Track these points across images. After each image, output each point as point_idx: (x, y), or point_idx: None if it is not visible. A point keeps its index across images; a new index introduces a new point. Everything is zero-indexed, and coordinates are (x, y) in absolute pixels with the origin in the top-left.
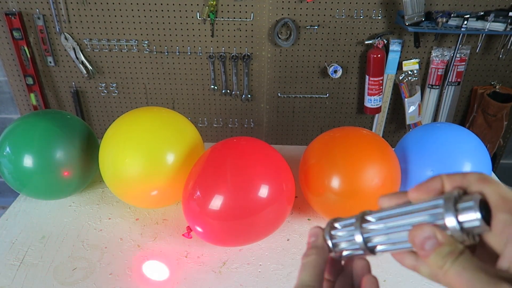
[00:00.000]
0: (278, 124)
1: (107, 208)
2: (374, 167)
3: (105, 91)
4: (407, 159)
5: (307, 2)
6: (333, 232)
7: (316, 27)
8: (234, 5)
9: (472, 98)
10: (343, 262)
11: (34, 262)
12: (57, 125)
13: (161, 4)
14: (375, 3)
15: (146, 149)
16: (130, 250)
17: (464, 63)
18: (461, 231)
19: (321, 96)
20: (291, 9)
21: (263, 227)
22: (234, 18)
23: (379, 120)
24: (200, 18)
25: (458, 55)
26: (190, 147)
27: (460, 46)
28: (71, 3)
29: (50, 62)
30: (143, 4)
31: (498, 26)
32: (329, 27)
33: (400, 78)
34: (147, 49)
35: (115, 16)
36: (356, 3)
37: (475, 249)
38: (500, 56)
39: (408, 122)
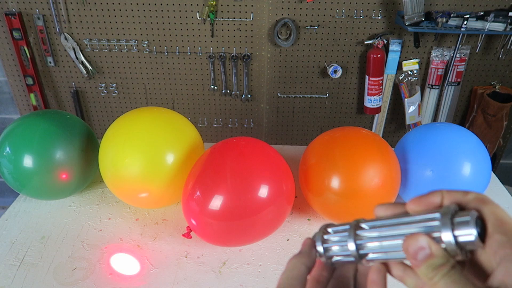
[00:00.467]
0: (278, 124)
1: (107, 208)
2: (374, 167)
3: (105, 91)
4: (407, 159)
5: (307, 2)
6: (325, 237)
7: (316, 27)
8: (234, 5)
9: (472, 98)
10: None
11: (34, 262)
12: (57, 125)
13: (161, 4)
14: (375, 3)
15: (146, 149)
16: (130, 250)
17: (464, 63)
18: (456, 245)
19: (321, 96)
20: (291, 9)
21: (263, 227)
22: (234, 18)
23: (379, 120)
24: (200, 18)
25: (458, 55)
26: (190, 147)
27: (460, 46)
28: (71, 3)
29: (50, 62)
30: (143, 4)
31: (498, 26)
32: (329, 27)
33: (400, 78)
34: (147, 49)
35: (115, 16)
36: (356, 3)
37: (465, 266)
38: (500, 56)
39: (408, 122)
